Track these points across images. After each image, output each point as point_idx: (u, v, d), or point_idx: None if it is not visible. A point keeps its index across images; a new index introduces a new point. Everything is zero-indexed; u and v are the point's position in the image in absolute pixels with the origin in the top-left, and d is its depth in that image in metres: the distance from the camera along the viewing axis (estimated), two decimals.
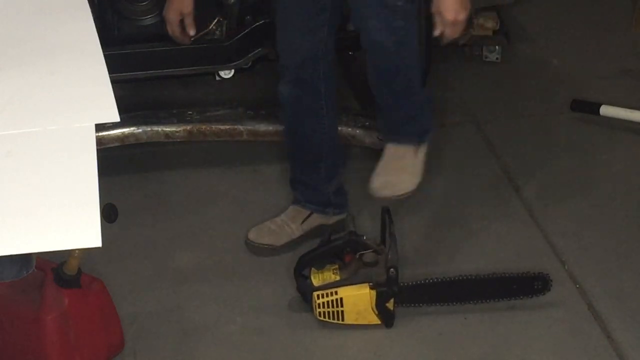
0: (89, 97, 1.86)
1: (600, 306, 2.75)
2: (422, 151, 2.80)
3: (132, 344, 2.65)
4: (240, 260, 2.97)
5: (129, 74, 3.24)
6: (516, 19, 4.33)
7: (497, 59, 4.03)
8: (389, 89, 2.73)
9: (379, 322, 2.68)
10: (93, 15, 2.15)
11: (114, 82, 1.87)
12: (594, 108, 3.55)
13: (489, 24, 3.94)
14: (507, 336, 2.67)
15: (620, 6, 4.44)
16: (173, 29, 2.88)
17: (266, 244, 2.96)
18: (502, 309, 2.73)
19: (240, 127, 3.29)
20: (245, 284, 2.87)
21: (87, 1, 2.20)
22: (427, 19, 3.25)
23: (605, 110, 3.52)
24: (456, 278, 2.70)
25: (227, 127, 3.28)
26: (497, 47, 4.02)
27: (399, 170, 2.76)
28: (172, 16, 2.86)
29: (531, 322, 2.70)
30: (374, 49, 2.62)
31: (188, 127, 3.30)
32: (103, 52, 1.99)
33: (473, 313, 2.73)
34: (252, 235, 2.98)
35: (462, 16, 2.56)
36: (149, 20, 3.31)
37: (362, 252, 2.72)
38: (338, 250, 2.71)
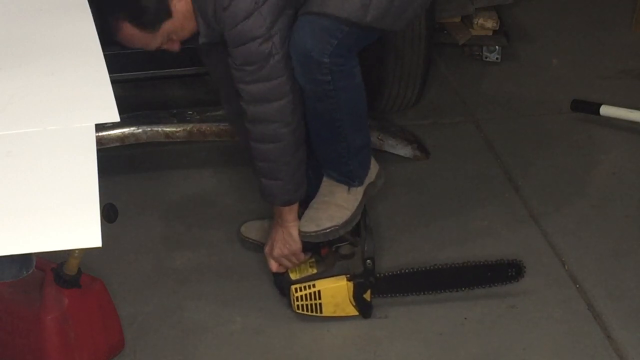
0: (89, 97, 1.86)
1: (600, 306, 2.75)
2: (357, 191, 2.71)
3: (132, 344, 2.65)
4: (241, 260, 2.97)
5: (129, 74, 3.24)
6: (516, 19, 4.33)
7: (497, 59, 4.03)
8: (311, 129, 2.62)
9: (357, 314, 2.69)
10: (93, 15, 2.15)
11: (114, 82, 1.87)
12: (594, 108, 3.54)
13: (489, 24, 3.95)
14: (507, 336, 2.67)
15: (620, 6, 4.44)
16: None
17: (252, 239, 2.97)
18: (502, 308, 2.73)
19: None
20: (245, 284, 2.87)
21: (87, 1, 2.20)
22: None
23: (605, 110, 3.52)
24: (431, 267, 2.70)
25: (227, 127, 3.28)
26: (497, 47, 4.02)
27: (327, 205, 2.68)
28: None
29: (531, 322, 2.70)
30: (301, 90, 2.52)
31: (188, 127, 3.31)
32: (103, 52, 1.99)
33: (473, 313, 2.73)
34: (243, 228, 3.00)
35: (274, 252, 2.69)
36: None
37: (338, 245, 2.73)
38: (314, 243, 2.69)
